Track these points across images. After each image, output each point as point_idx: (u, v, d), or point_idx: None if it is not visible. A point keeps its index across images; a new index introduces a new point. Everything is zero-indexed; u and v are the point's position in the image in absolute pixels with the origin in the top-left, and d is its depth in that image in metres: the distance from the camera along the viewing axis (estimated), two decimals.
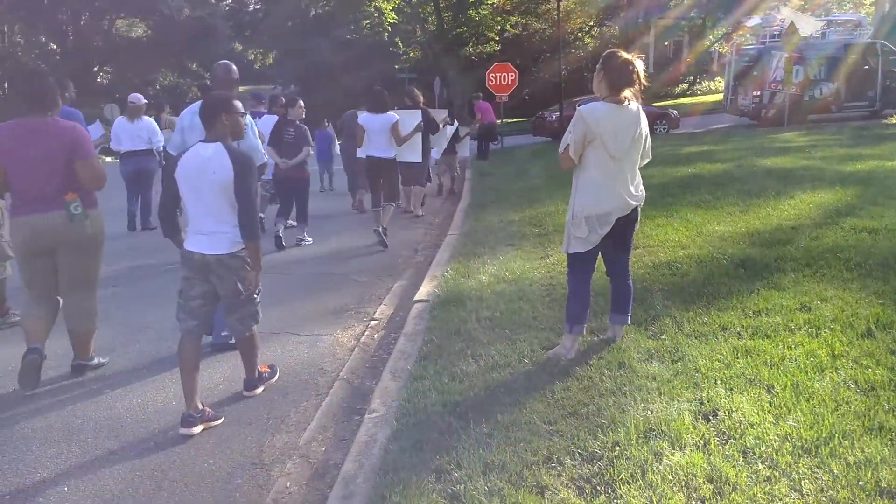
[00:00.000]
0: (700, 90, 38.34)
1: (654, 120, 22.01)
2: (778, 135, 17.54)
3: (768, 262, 5.59)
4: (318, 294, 6.21)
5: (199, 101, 4.42)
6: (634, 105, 3.96)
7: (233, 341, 4.61)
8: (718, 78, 39.00)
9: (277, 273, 6.88)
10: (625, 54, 3.91)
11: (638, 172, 4.10)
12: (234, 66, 4.81)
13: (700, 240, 6.60)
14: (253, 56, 47.34)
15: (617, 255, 4.17)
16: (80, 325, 4.40)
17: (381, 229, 8.06)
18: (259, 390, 4.17)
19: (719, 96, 34.15)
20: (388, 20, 36.90)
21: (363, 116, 8.30)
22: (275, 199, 8.85)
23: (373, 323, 5.35)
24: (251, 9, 49.86)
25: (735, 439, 2.98)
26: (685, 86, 38.66)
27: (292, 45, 38.35)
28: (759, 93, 21.89)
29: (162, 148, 9.65)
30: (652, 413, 3.24)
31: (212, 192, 3.60)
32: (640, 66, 3.90)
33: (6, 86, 33.94)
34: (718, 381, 3.55)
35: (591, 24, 35.78)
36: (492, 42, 35.27)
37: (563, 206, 8.81)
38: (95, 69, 40.08)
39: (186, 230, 3.79)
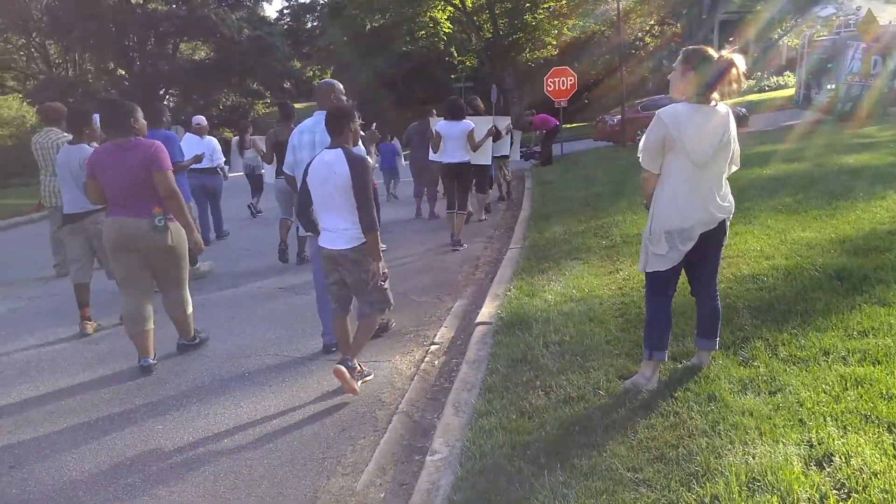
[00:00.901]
0: (768, 86, 36.87)
1: None
2: (857, 130, 16.57)
3: (867, 273, 5.04)
4: None
5: (303, 124, 5.02)
6: (723, 107, 3.55)
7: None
8: (788, 73, 37.48)
9: None
10: (718, 53, 3.50)
11: (726, 182, 3.68)
12: (338, 84, 5.06)
13: (785, 248, 6.07)
14: (311, 72, 48.01)
15: (703, 273, 3.74)
16: (175, 313, 5.14)
17: (458, 238, 8.61)
18: (359, 388, 4.26)
19: (789, 92, 32.79)
20: (444, 30, 36.73)
21: (441, 124, 8.74)
22: None
23: (433, 348, 5.04)
24: (308, 26, 50.71)
25: (858, 493, 2.54)
26: (752, 82, 37.21)
27: (350, 60, 38.69)
28: (833, 86, 20.83)
29: (224, 165, 10.23)
30: (754, 459, 2.82)
31: (335, 193, 4.06)
32: (741, 64, 3.46)
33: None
34: (827, 419, 3.09)
35: (652, 23, 34.81)
36: (549, 47, 34.72)
37: (630, 216, 8.37)
38: (161, 92, 41.27)
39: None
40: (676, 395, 3.49)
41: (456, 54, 38.40)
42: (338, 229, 4.11)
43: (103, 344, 5.60)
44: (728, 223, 3.71)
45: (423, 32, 36.89)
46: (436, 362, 4.79)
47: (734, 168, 3.72)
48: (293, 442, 3.76)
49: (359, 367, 4.38)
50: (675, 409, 3.36)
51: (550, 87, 18.68)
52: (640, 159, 3.61)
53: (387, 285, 4.31)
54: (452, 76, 35.47)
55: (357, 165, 4.02)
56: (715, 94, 3.50)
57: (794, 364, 3.71)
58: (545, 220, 9.07)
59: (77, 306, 6.00)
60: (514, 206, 11.66)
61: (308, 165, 4.19)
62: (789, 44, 39.96)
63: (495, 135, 9.37)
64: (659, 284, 3.69)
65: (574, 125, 28.93)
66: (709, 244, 3.64)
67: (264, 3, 46.44)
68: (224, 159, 10.50)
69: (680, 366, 3.87)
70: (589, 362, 4.06)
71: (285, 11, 52.11)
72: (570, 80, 18.66)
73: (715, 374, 3.66)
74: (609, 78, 36.04)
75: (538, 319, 4.88)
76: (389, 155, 13.87)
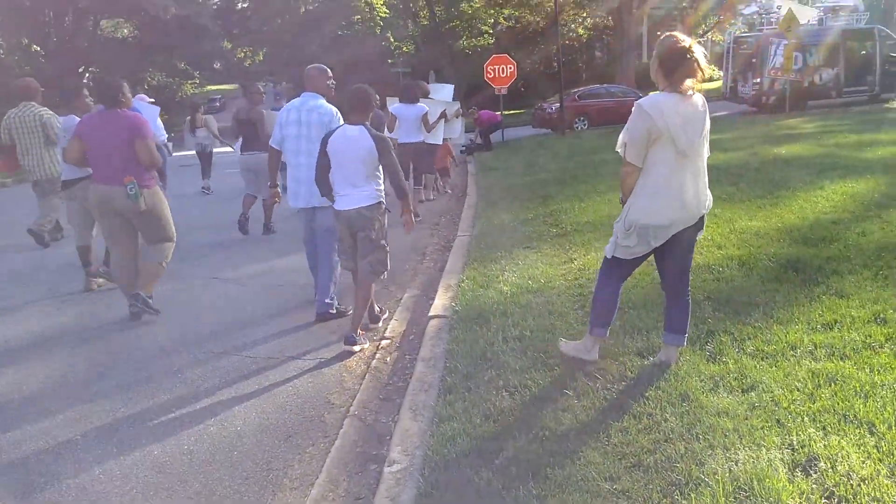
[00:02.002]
0: None
1: None
2: (782, 122, 17.03)
3: (820, 264, 5.02)
4: None
5: (291, 103, 5.36)
6: (699, 97, 3.40)
7: (333, 311, 5.24)
8: (712, 66, 38.39)
9: (270, 284, 6.28)
10: (681, 40, 3.34)
11: (706, 174, 3.51)
12: (327, 69, 5.45)
13: (735, 238, 6.03)
14: (243, 54, 46.44)
15: (676, 268, 3.59)
16: (151, 260, 5.44)
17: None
18: (357, 348, 4.58)
19: (716, 84, 33.67)
20: (380, 14, 36.13)
21: (396, 107, 9.33)
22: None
23: (384, 343, 4.75)
24: (239, 6, 48.93)
25: (848, 501, 2.40)
26: None
27: (283, 42, 37.61)
28: (758, 80, 21.40)
29: (165, 141, 10.50)
30: (737, 465, 2.66)
31: (354, 162, 4.50)
32: (699, 53, 3.32)
33: None
34: (805, 418, 2.97)
35: (584, 14, 35.04)
36: (485, 35, 34.58)
37: (577, 203, 8.27)
38: (81, 70, 39.09)
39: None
40: (648, 394, 3.32)
41: (392, 39, 37.83)
42: (351, 193, 4.55)
43: (14, 343, 5.08)
44: (705, 217, 3.55)
45: (358, 17, 36.18)
46: (388, 359, 4.49)
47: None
48: (232, 452, 3.41)
49: (360, 332, 4.72)
50: (647, 410, 3.18)
51: (490, 73, 18.47)
52: (624, 153, 3.41)
53: (388, 248, 4.72)
54: (390, 61, 34.89)
55: (382, 144, 4.52)
56: (689, 83, 3.34)
57: (762, 359, 3.60)
58: (492, 207, 8.86)
59: (81, 265, 6.43)
60: (459, 193, 11.41)
61: (328, 138, 4.59)
62: (714, 39, 41.07)
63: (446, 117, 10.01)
64: (617, 270, 3.66)
65: (512, 112, 28.86)
66: (685, 239, 3.50)
67: None
68: (166, 136, 10.46)
69: (647, 362, 3.70)
70: (552, 359, 3.85)
71: None
72: (510, 68, 18.50)
73: (685, 372, 3.50)
74: (545, 67, 36.28)
75: (495, 313, 4.65)
76: None
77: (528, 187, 10.21)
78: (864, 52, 21.07)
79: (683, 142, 3.27)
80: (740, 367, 3.50)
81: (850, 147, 11.23)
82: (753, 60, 21.48)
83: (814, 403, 3.09)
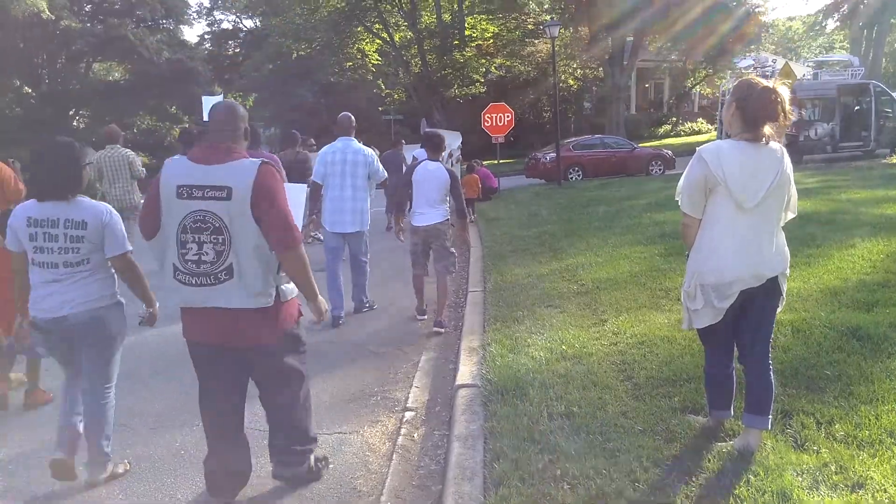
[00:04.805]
0: (683, 131, 38.14)
1: (648, 161, 21.37)
2: None
3: (885, 332, 4.58)
4: (330, 371, 5.05)
5: (334, 145, 6.37)
6: (776, 146, 3.04)
7: (366, 305, 6.67)
8: (701, 119, 38.94)
9: None
10: (764, 81, 3.01)
11: (780, 233, 3.13)
12: (352, 116, 6.49)
13: None
14: (233, 98, 46.41)
15: (748, 338, 3.18)
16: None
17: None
18: (443, 329, 5.91)
19: (702, 136, 33.97)
20: (372, 62, 36.26)
21: (418, 151, 9.79)
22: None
23: (408, 415, 4.21)
24: (231, 52, 49.10)
25: None
26: (668, 127, 38.50)
27: (274, 88, 37.57)
28: None
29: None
30: None
31: (433, 189, 5.81)
32: (785, 94, 2.97)
33: None
34: None
35: (575, 66, 35.41)
36: (477, 84, 34.73)
37: (592, 258, 7.84)
38: (71, 113, 38.77)
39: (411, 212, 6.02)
40: (738, 492, 2.82)
41: (383, 87, 37.91)
42: (428, 212, 5.83)
43: None
44: (783, 282, 3.14)
45: (350, 64, 36.29)
46: (415, 435, 3.95)
47: (790, 216, 3.20)
48: None
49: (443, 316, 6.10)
50: None
51: (488, 122, 18.25)
52: (680, 202, 3.14)
53: (455, 253, 6.12)
54: (381, 108, 34.90)
55: (454, 176, 5.89)
56: (766, 130, 3.01)
57: (859, 448, 3.12)
58: (502, 261, 8.38)
59: None
60: (462, 244, 10.94)
61: (413, 169, 5.94)
62: (703, 92, 41.67)
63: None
64: (707, 341, 3.30)
65: (504, 161, 28.76)
66: (756, 305, 3.11)
67: (184, 27, 44.45)
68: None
69: (726, 446, 3.21)
70: (611, 442, 3.35)
71: (206, 37, 50.14)
72: (508, 117, 18.29)
73: (774, 463, 3.01)
74: (535, 117, 36.47)
75: (533, 383, 4.14)
76: None
77: (536, 239, 9.78)
78: (858, 107, 21.16)
79: (742, 194, 2.97)
80: (837, 458, 3.03)
81: (866, 203, 10.95)
82: None
83: None
